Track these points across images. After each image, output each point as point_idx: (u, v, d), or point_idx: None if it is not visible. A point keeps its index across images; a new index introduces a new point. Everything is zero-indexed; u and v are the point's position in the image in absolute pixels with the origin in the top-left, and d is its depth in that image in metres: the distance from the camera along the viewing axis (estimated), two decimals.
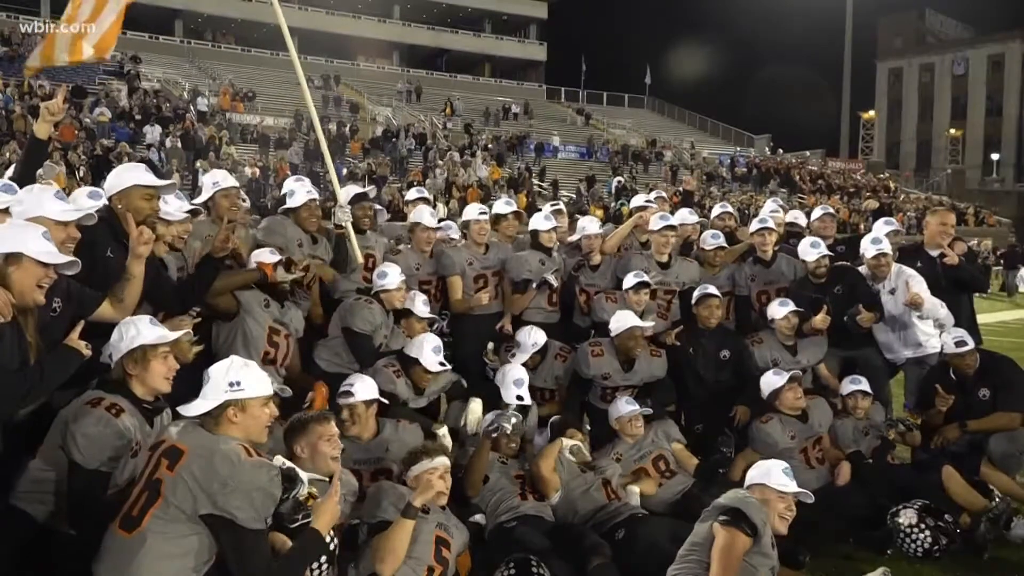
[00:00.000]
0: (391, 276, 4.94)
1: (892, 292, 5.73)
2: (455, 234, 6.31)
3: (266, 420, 2.93)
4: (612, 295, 5.66)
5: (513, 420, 4.36)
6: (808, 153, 45.46)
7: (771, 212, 6.64)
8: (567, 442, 4.34)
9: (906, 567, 4.15)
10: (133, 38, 34.10)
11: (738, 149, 43.05)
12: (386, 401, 4.28)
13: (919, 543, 4.24)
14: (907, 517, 4.30)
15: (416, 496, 3.35)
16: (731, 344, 5.60)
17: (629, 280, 5.45)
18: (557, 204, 6.34)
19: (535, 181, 31.02)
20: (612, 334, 5.24)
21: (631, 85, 56.92)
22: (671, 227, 5.83)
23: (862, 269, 5.87)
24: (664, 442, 4.96)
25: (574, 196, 30.17)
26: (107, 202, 3.73)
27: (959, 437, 5.20)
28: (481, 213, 5.77)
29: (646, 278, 5.46)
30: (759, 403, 5.29)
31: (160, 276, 3.93)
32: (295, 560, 2.83)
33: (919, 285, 5.61)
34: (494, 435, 4.31)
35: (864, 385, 5.36)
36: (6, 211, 3.28)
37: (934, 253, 5.94)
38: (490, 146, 33.31)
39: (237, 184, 4.94)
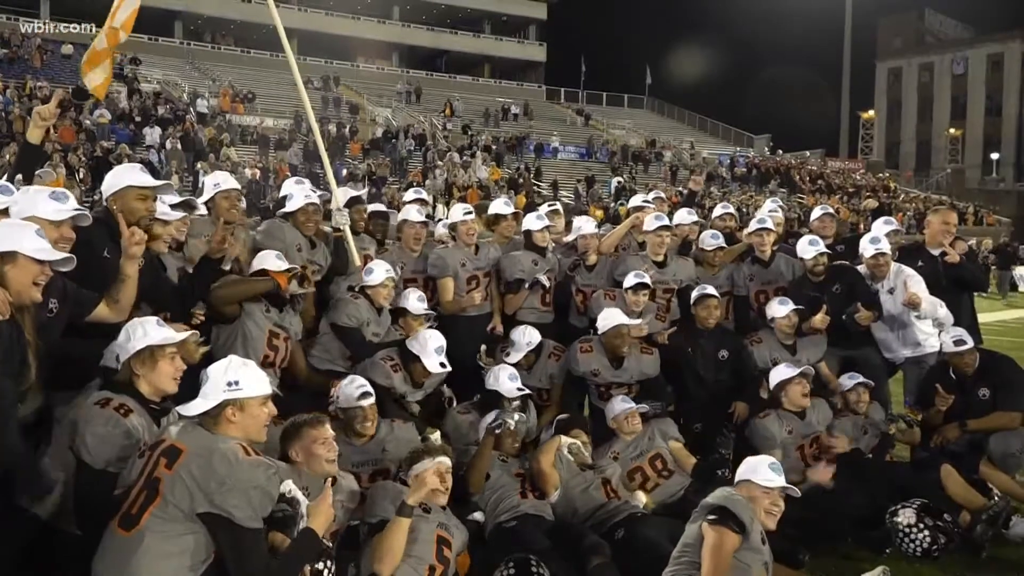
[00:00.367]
0: (376, 272, 4.94)
1: (891, 291, 5.73)
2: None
3: (265, 419, 2.94)
4: (611, 293, 5.67)
5: (516, 417, 4.38)
6: (808, 153, 45.47)
7: (769, 212, 6.65)
8: (566, 440, 4.35)
9: (905, 566, 4.14)
10: (132, 40, 33.94)
11: (738, 149, 43.07)
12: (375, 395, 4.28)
13: (918, 542, 4.24)
14: (906, 517, 4.29)
15: (411, 494, 3.35)
16: (730, 344, 5.61)
17: (629, 280, 5.45)
18: (555, 205, 6.34)
19: (534, 181, 31.03)
20: (599, 332, 5.27)
21: (631, 85, 56.93)
22: (666, 227, 5.84)
23: (861, 268, 5.87)
24: (661, 441, 4.96)
25: (573, 197, 30.19)
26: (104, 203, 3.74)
27: (959, 436, 5.20)
28: (467, 213, 5.74)
29: (646, 279, 5.46)
30: (758, 402, 5.30)
31: (159, 277, 3.94)
32: (291, 560, 2.84)
33: (917, 285, 5.61)
34: (497, 431, 4.32)
35: (863, 378, 5.38)
36: (5, 212, 3.29)
37: (935, 252, 5.95)
38: (492, 148, 33.31)
39: (238, 186, 4.94)
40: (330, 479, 3.36)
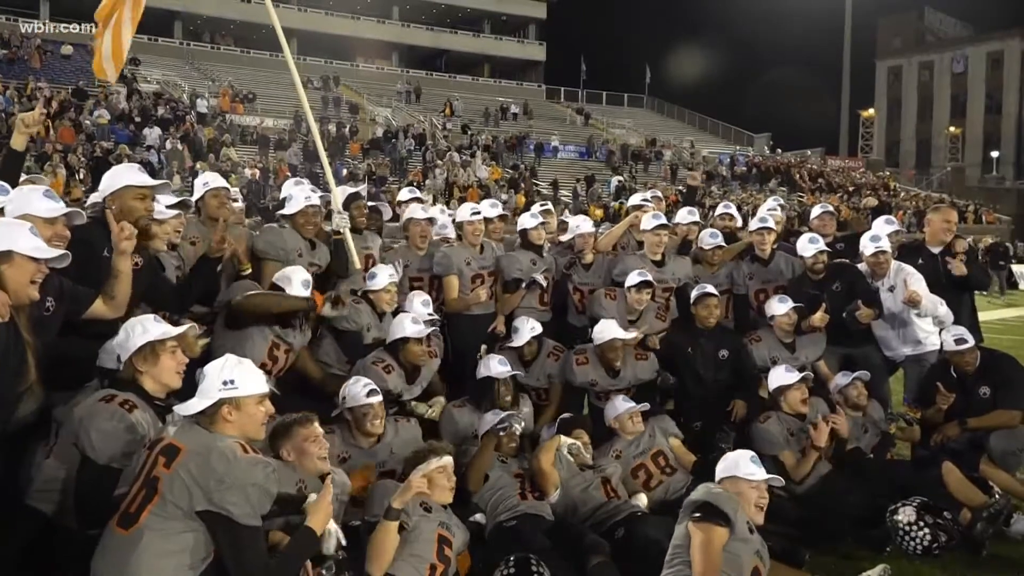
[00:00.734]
0: (379, 277, 4.95)
1: (891, 290, 5.73)
2: (451, 233, 6.32)
3: (262, 418, 2.95)
4: (612, 292, 5.68)
5: (523, 423, 4.42)
6: (809, 152, 45.44)
7: (769, 210, 6.65)
8: (566, 440, 4.35)
9: (905, 565, 4.14)
10: (132, 40, 34.04)
11: (738, 148, 43.05)
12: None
13: (918, 541, 4.24)
14: (906, 515, 4.29)
15: (396, 497, 3.33)
16: (729, 343, 5.61)
17: (632, 279, 5.46)
18: (546, 204, 6.36)
19: (533, 181, 31.03)
20: (594, 344, 5.29)
21: (630, 85, 57.04)
22: (664, 226, 5.84)
23: (861, 267, 5.87)
24: (662, 438, 4.97)
25: (572, 196, 30.20)
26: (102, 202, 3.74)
27: (959, 435, 5.20)
28: (474, 214, 5.76)
29: (649, 277, 5.48)
30: (758, 401, 5.29)
31: (158, 276, 3.94)
32: (291, 557, 2.85)
33: (918, 283, 5.61)
34: (501, 434, 4.33)
35: (858, 373, 5.39)
36: (0, 211, 3.29)
37: (936, 250, 5.95)
38: (491, 146, 33.31)
39: (227, 185, 4.94)
40: (329, 476, 3.36)
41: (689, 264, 6.00)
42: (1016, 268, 26.17)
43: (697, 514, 3.27)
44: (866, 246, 5.81)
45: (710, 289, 5.60)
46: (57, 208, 3.26)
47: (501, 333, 5.58)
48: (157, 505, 2.65)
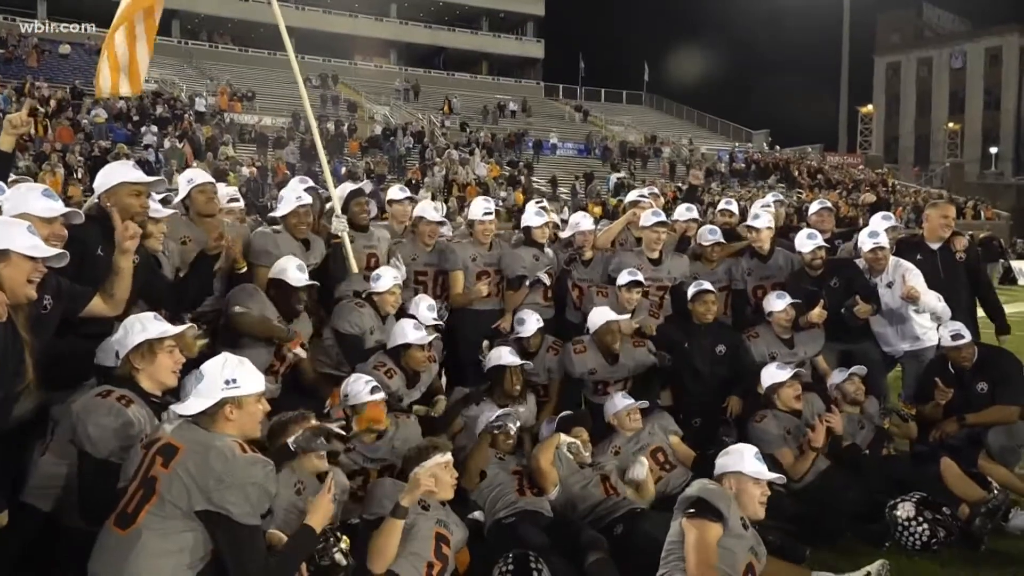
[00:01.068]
0: (384, 279, 4.95)
1: (889, 286, 5.73)
2: (449, 231, 6.35)
3: (260, 416, 2.96)
4: (604, 290, 5.71)
5: (519, 422, 4.42)
6: (809, 149, 45.41)
7: (763, 206, 6.65)
8: (565, 438, 4.36)
9: (904, 560, 4.14)
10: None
11: (737, 145, 43.04)
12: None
13: (917, 536, 4.24)
14: (905, 510, 4.30)
15: (404, 495, 3.34)
16: (727, 339, 5.61)
17: (623, 278, 5.48)
18: (542, 201, 6.39)
19: (533, 179, 31.03)
20: (590, 331, 5.31)
21: (629, 82, 56.97)
22: (662, 223, 5.85)
23: (859, 262, 5.88)
24: (662, 435, 4.98)
25: (570, 193, 30.19)
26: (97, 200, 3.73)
27: (957, 430, 5.20)
28: (486, 214, 5.80)
29: (639, 276, 5.49)
30: (755, 397, 5.30)
31: (154, 274, 3.94)
32: (290, 556, 2.85)
33: (916, 279, 5.61)
34: (496, 432, 4.33)
35: (854, 369, 5.39)
36: None
37: (935, 246, 5.95)
38: (489, 144, 33.30)
39: (213, 180, 4.92)
40: (331, 475, 3.36)
41: (687, 263, 6.01)
42: (1015, 264, 26.17)
43: (691, 510, 3.28)
44: (864, 242, 5.81)
45: (707, 285, 5.60)
46: (55, 208, 3.25)
47: (506, 330, 5.59)
48: (155, 505, 2.64)
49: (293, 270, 4.52)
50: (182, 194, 4.77)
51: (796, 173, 37.88)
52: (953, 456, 4.84)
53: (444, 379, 5.56)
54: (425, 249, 5.70)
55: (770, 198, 7.15)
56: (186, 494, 2.63)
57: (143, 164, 22.00)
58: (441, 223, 5.93)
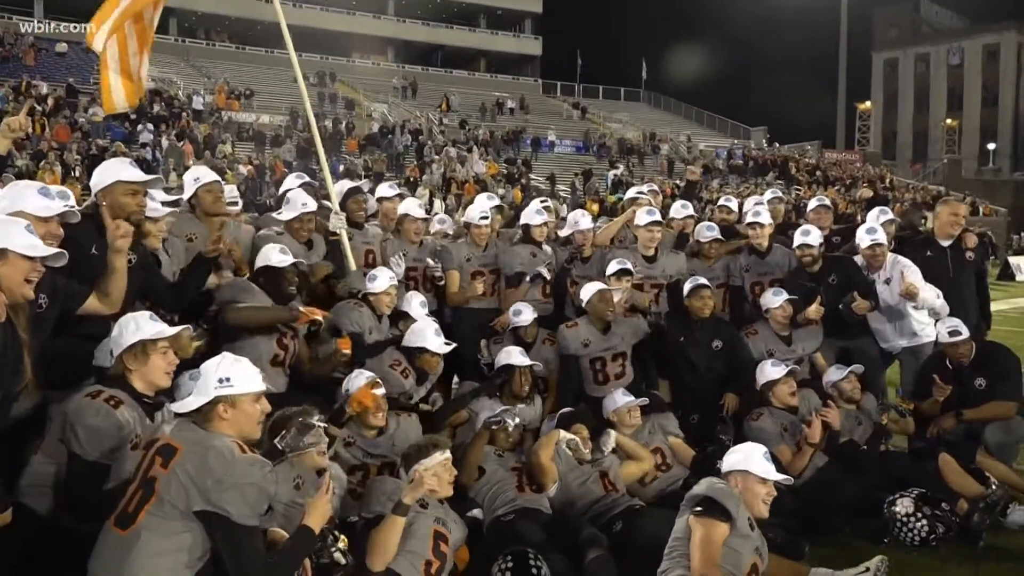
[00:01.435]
0: (380, 280, 4.96)
1: (887, 282, 5.74)
2: (449, 228, 6.35)
3: (258, 416, 2.94)
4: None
5: (517, 419, 4.41)
6: (808, 147, 45.39)
7: (757, 203, 6.65)
8: (565, 435, 4.36)
9: (903, 555, 4.15)
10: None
11: (735, 141, 43.03)
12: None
13: (916, 531, 4.26)
14: (903, 506, 4.31)
15: (407, 493, 3.34)
16: (723, 334, 5.61)
17: (612, 267, 5.51)
18: (546, 201, 6.39)
19: (531, 176, 31.02)
20: (584, 303, 5.36)
21: (627, 79, 56.77)
22: (657, 222, 5.86)
23: (858, 259, 5.88)
24: (661, 436, 4.98)
25: (570, 191, 30.17)
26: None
27: (955, 426, 5.21)
28: (483, 217, 5.81)
29: (628, 265, 5.51)
30: (751, 393, 5.30)
31: (153, 274, 3.92)
32: (289, 556, 2.85)
33: (914, 275, 5.62)
34: (494, 428, 4.33)
35: (852, 367, 5.39)
36: None
37: (945, 243, 5.93)
38: (488, 141, 33.28)
39: (219, 178, 4.91)
40: (328, 472, 3.36)
41: (683, 260, 6.01)
42: (1013, 260, 26.18)
43: (698, 508, 3.27)
44: (862, 239, 5.81)
45: (703, 281, 5.61)
46: (51, 206, 3.24)
47: (503, 328, 5.60)
48: (155, 505, 2.64)
49: (275, 254, 4.49)
50: (188, 192, 4.76)
51: (794, 170, 37.88)
52: (951, 452, 4.85)
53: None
54: (412, 246, 5.70)
55: (769, 195, 7.14)
56: (185, 494, 2.63)
57: (141, 163, 21.97)
58: (426, 219, 5.92)
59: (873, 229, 5.83)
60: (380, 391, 4.19)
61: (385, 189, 6.28)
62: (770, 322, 5.62)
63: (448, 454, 3.58)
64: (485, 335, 5.61)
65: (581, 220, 6.05)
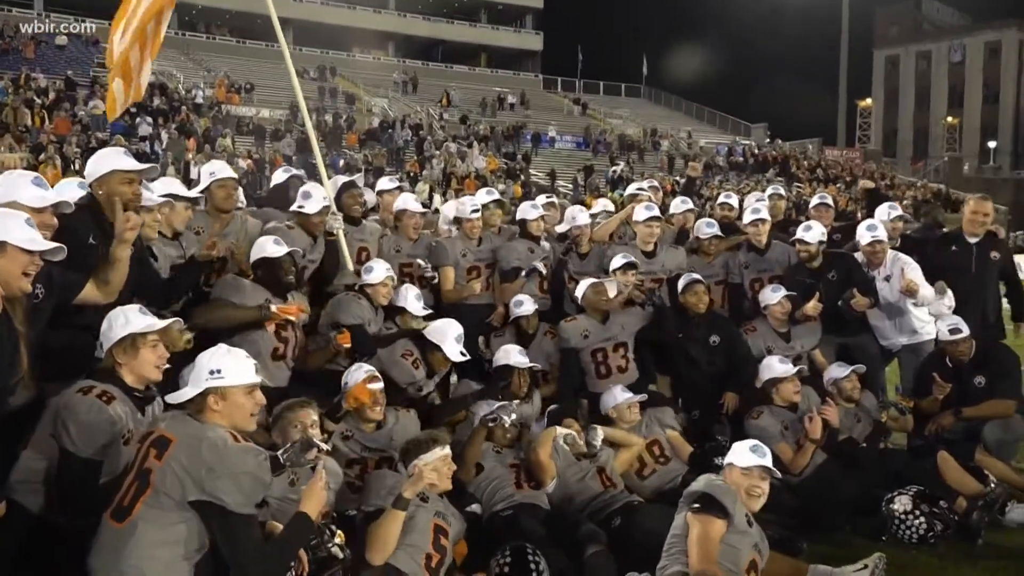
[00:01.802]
0: (376, 271, 4.94)
1: (887, 279, 5.73)
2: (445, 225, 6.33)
3: (251, 408, 2.92)
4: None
5: (514, 415, 4.41)
6: (809, 146, 45.31)
7: (758, 200, 6.63)
8: (561, 431, 4.36)
9: (901, 553, 4.15)
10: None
11: (736, 138, 42.99)
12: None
13: (914, 529, 4.26)
14: (902, 504, 4.31)
15: (407, 487, 3.35)
16: (721, 329, 5.61)
17: (617, 261, 5.49)
18: (551, 197, 6.38)
19: (531, 172, 31.01)
20: (579, 299, 5.40)
21: (628, 75, 56.80)
22: (656, 218, 5.85)
23: (858, 256, 5.87)
24: (659, 428, 4.99)
25: (572, 187, 30.17)
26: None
27: (954, 424, 5.21)
28: (474, 211, 5.78)
29: (633, 259, 5.51)
30: (750, 390, 5.31)
31: (145, 267, 3.88)
32: (285, 544, 2.85)
33: (914, 272, 5.61)
34: (491, 425, 4.33)
35: (855, 367, 5.38)
36: None
37: (973, 240, 5.89)
38: (488, 137, 33.25)
39: (235, 175, 4.89)
40: (321, 462, 3.35)
41: (682, 255, 6.01)
42: (1015, 258, 26.12)
43: (696, 505, 3.28)
44: (862, 235, 5.80)
45: (697, 276, 5.62)
46: (46, 197, 3.21)
47: (499, 323, 5.59)
48: (150, 497, 2.64)
49: (270, 245, 4.47)
50: (202, 185, 4.74)
51: (795, 167, 37.85)
52: (950, 450, 4.86)
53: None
54: (409, 241, 5.68)
55: (770, 191, 7.13)
56: (179, 485, 2.63)
57: (140, 156, 21.97)
58: (424, 214, 5.89)
59: (874, 226, 5.82)
60: (378, 386, 4.18)
61: (385, 183, 6.25)
62: (769, 319, 5.61)
63: (447, 449, 3.59)
64: (482, 331, 5.61)
65: (579, 216, 6.06)
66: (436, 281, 5.65)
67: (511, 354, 4.92)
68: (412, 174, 26.55)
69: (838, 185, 34.43)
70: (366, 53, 45.65)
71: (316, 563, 3.04)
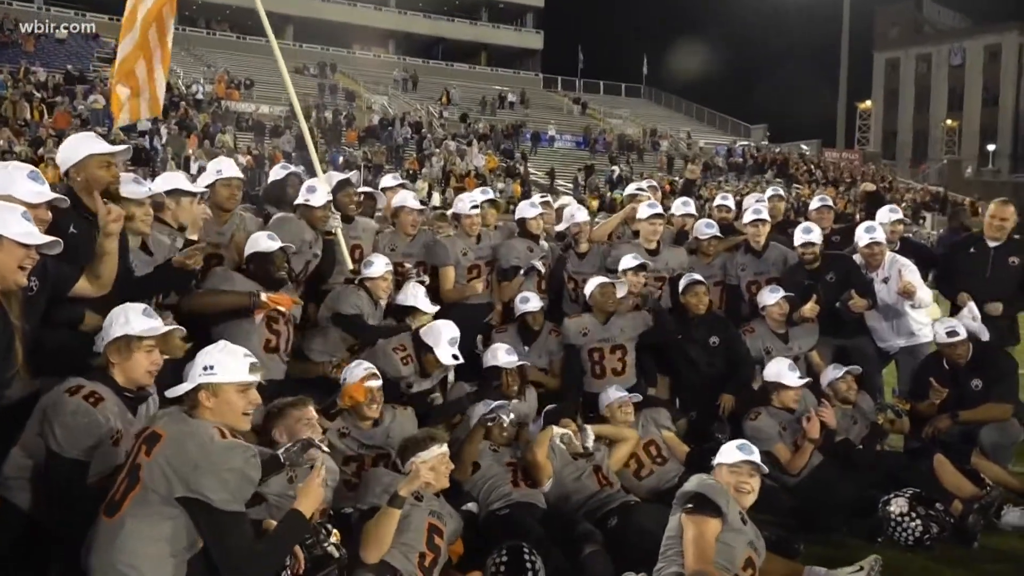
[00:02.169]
0: (376, 265, 4.94)
1: (885, 281, 5.73)
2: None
3: (243, 407, 2.89)
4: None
5: (512, 415, 4.41)
6: (806, 147, 45.32)
7: (758, 201, 6.63)
8: (558, 430, 4.36)
9: (897, 555, 4.15)
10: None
11: (736, 139, 43.01)
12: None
13: (910, 531, 4.26)
14: (898, 506, 4.31)
15: (403, 486, 3.34)
16: (720, 330, 5.61)
17: (628, 262, 5.48)
18: (545, 196, 6.38)
19: (530, 170, 31.00)
20: (587, 296, 5.41)
21: (628, 75, 56.75)
22: (659, 215, 5.85)
23: (856, 257, 5.87)
24: (654, 428, 4.99)
25: (572, 186, 30.17)
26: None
27: (950, 427, 5.22)
28: (472, 207, 5.77)
29: (643, 260, 5.51)
30: (749, 392, 5.30)
31: (124, 263, 3.82)
32: (277, 542, 2.83)
33: (912, 274, 5.62)
34: (489, 424, 4.33)
35: (850, 368, 5.38)
36: None
37: (992, 244, 5.84)
38: (488, 135, 33.24)
39: (241, 175, 4.86)
40: (319, 459, 3.35)
41: (684, 254, 6.01)
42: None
43: (689, 505, 3.29)
44: (860, 237, 5.80)
45: (698, 277, 5.61)
46: (42, 191, 3.17)
47: (497, 322, 5.59)
48: (139, 493, 2.63)
49: (263, 239, 4.46)
50: (207, 180, 4.70)
51: (794, 169, 37.87)
52: (946, 453, 4.86)
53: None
54: (406, 239, 5.67)
55: (769, 192, 7.14)
56: (166, 481, 2.61)
57: (140, 151, 21.97)
58: (422, 211, 5.89)
59: (872, 228, 5.82)
60: (376, 383, 4.18)
61: (389, 180, 6.23)
62: (767, 320, 5.62)
63: (445, 448, 3.58)
64: (480, 331, 5.60)
65: (577, 213, 6.06)
66: (427, 284, 5.58)
67: (498, 354, 4.90)
68: (411, 172, 26.54)
69: (840, 188, 34.42)
70: (367, 50, 45.60)
71: (312, 561, 3.02)
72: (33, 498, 3.05)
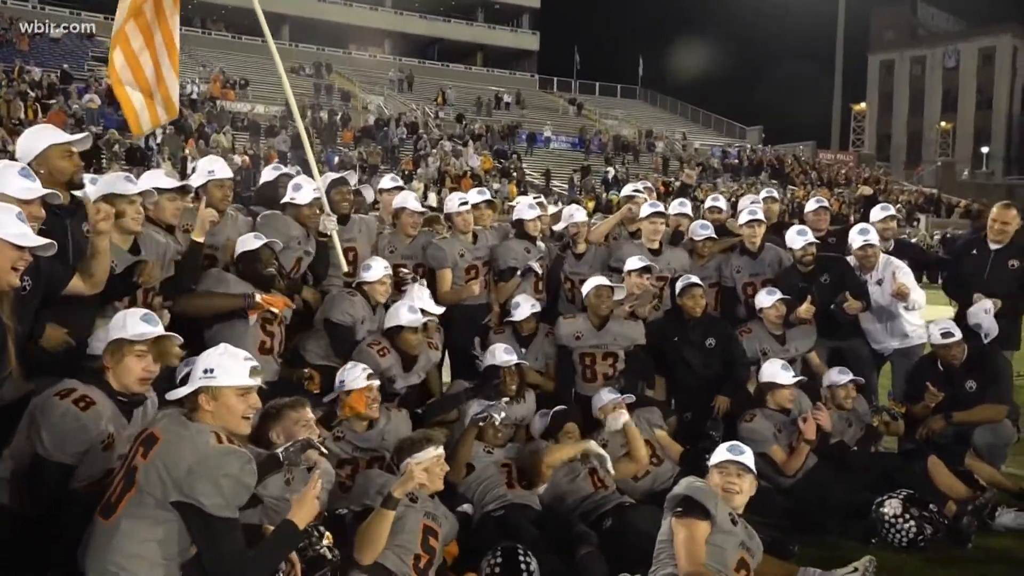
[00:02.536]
0: (374, 269, 4.92)
1: (879, 283, 5.74)
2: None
3: (243, 411, 2.87)
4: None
5: (503, 413, 4.39)
6: (800, 147, 45.42)
7: (752, 202, 6.64)
8: (596, 448, 4.32)
9: (891, 556, 4.16)
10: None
11: (731, 141, 43.07)
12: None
13: (904, 533, 4.26)
14: (892, 507, 4.32)
15: (397, 487, 3.32)
16: (717, 332, 5.60)
17: (633, 263, 5.46)
18: (539, 197, 6.36)
19: (526, 171, 31.00)
20: (584, 296, 5.39)
21: (624, 76, 56.77)
22: (660, 214, 5.85)
23: (850, 259, 5.88)
24: (648, 428, 4.99)
25: (567, 187, 30.18)
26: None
27: (944, 428, 5.23)
28: (462, 204, 5.74)
29: (649, 262, 5.51)
30: (744, 393, 5.30)
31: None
32: (270, 551, 2.80)
33: (906, 276, 5.63)
34: (481, 424, 4.32)
35: (854, 375, 5.37)
36: None
37: (994, 247, 5.84)
38: (483, 136, 33.23)
39: (233, 177, 4.83)
40: (316, 471, 3.34)
41: (686, 256, 6.00)
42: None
43: (678, 509, 3.31)
44: (854, 239, 5.81)
45: (695, 279, 5.61)
46: (33, 188, 3.15)
47: (495, 323, 5.58)
48: (134, 495, 2.61)
49: (250, 239, 4.45)
50: (199, 181, 4.67)
51: (789, 170, 37.94)
52: (940, 454, 4.87)
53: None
54: (406, 240, 5.64)
55: (764, 194, 7.14)
56: (160, 485, 2.59)
57: (136, 150, 21.93)
58: (423, 212, 5.86)
59: (866, 229, 5.83)
60: (376, 382, 4.17)
61: (387, 181, 6.23)
62: (764, 322, 5.62)
63: (441, 450, 3.57)
64: (478, 333, 5.59)
65: (576, 213, 6.05)
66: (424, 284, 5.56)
67: (497, 353, 4.88)
68: (407, 172, 26.51)
69: (837, 191, 34.46)
70: (362, 50, 45.54)
71: (305, 563, 3.01)
72: (21, 499, 3.03)
